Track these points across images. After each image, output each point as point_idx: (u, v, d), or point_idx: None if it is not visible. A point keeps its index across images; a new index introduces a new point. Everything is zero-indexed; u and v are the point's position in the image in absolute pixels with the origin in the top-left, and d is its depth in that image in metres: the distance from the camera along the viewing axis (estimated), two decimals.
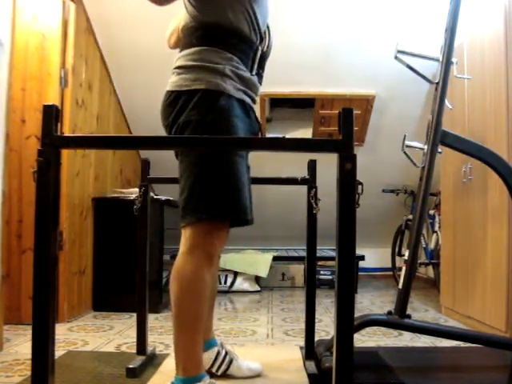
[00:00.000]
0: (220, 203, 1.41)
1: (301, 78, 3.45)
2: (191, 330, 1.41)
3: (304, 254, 2.03)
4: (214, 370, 1.69)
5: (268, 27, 1.60)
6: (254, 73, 1.53)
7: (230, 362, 1.72)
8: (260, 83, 1.60)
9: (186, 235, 1.44)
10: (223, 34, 1.46)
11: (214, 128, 1.40)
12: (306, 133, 3.93)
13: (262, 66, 1.59)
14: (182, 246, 1.44)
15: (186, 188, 1.43)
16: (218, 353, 1.71)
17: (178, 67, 1.49)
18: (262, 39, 1.55)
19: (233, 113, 1.44)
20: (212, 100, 1.41)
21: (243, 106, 1.50)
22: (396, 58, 1.95)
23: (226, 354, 1.73)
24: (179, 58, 1.51)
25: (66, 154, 2.67)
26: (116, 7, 3.00)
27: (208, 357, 1.70)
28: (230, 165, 1.43)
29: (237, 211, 1.43)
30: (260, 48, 1.54)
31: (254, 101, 1.58)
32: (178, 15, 1.62)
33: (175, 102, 1.45)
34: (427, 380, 1.80)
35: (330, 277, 4.21)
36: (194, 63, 1.45)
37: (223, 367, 1.71)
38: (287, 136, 3.85)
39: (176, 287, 1.41)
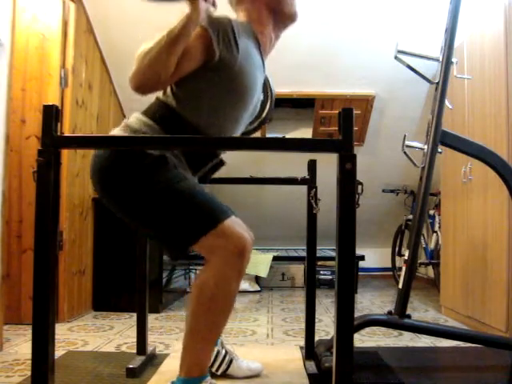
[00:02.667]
0: (200, 220, 1.33)
1: (301, 78, 3.45)
2: (204, 339, 1.37)
3: (304, 254, 2.03)
4: (213, 369, 1.69)
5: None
6: (195, 176, 1.48)
7: (230, 361, 1.72)
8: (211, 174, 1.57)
9: (198, 251, 1.37)
10: (187, 131, 1.41)
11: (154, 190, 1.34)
12: (306, 133, 3.93)
13: (208, 173, 1.55)
14: (205, 260, 1.37)
15: (160, 230, 1.38)
16: (218, 352, 1.71)
17: (128, 126, 1.42)
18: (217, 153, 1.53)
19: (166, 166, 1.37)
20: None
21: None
22: (396, 58, 1.96)
23: (226, 353, 1.73)
24: (136, 117, 1.44)
25: (65, 154, 2.67)
26: (116, 7, 3.00)
27: None
28: (180, 192, 1.35)
29: (222, 212, 1.35)
30: (214, 161, 1.51)
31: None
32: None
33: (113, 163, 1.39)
34: (427, 380, 1.80)
35: (330, 277, 4.21)
36: (142, 134, 1.39)
37: (223, 367, 1.71)
38: (287, 136, 3.85)
39: (198, 299, 1.34)
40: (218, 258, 1.31)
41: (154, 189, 1.34)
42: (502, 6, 2.32)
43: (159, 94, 1.49)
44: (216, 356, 1.70)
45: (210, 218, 1.33)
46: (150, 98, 1.48)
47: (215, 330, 1.39)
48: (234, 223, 1.36)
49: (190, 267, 4.06)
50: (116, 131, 1.44)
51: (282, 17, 1.59)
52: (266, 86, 1.77)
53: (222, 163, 1.57)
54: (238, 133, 1.56)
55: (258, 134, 1.89)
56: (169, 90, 1.46)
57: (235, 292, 1.35)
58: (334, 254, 1.11)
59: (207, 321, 1.35)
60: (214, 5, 1.42)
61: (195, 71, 1.40)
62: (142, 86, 1.32)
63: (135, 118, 1.45)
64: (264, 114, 1.80)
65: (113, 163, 1.37)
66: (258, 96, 1.57)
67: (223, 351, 1.72)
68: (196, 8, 1.28)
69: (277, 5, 1.56)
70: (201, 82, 1.42)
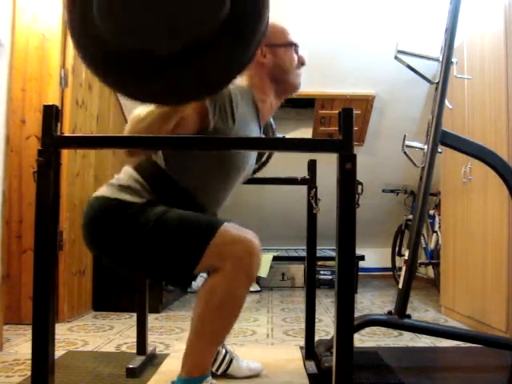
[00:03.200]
0: (192, 242, 1.31)
1: (301, 78, 3.45)
2: (209, 342, 1.36)
3: (304, 253, 2.03)
4: (213, 369, 1.69)
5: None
6: None
7: (230, 361, 1.72)
8: None
9: (206, 269, 1.35)
10: (176, 192, 1.41)
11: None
12: (306, 133, 3.93)
13: None
14: (215, 269, 1.33)
15: (161, 264, 1.35)
16: (218, 352, 1.71)
17: (119, 185, 1.42)
18: (217, 208, 1.54)
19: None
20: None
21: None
22: (396, 58, 1.96)
23: (226, 353, 1.73)
24: (128, 173, 1.45)
25: (65, 154, 2.67)
26: None
27: None
28: (169, 222, 1.34)
29: (208, 229, 1.33)
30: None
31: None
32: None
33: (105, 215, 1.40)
34: (427, 380, 1.80)
35: (330, 277, 4.21)
36: (125, 187, 1.40)
37: (223, 367, 1.71)
38: (287, 136, 3.85)
39: (207, 303, 1.32)
40: (227, 264, 1.29)
41: (143, 230, 1.33)
42: (502, 6, 2.33)
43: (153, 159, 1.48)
44: (216, 356, 1.70)
45: (206, 230, 1.31)
46: None
47: (221, 334, 1.39)
48: (232, 227, 1.35)
49: None
50: (105, 188, 1.44)
51: (285, 87, 1.58)
52: (269, 131, 1.78)
53: None
54: (229, 193, 1.55)
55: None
56: (160, 152, 1.45)
57: (244, 297, 1.34)
58: (333, 254, 1.11)
59: (214, 325, 1.34)
60: None
61: None
62: (133, 150, 1.33)
63: (126, 175, 1.45)
64: (264, 159, 1.83)
65: (100, 219, 1.38)
66: (251, 164, 1.57)
67: (223, 351, 1.73)
68: None
69: (281, 75, 1.55)
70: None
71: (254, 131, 1.51)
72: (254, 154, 1.59)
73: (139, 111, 1.27)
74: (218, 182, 1.48)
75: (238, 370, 1.72)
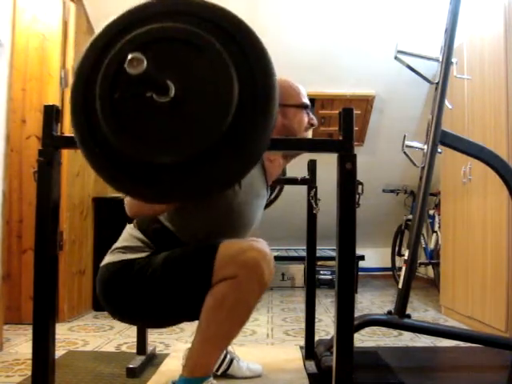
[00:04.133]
0: (198, 268, 1.31)
1: (301, 78, 3.42)
2: (215, 346, 1.34)
3: (304, 253, 2.03)
4: (214, 369, 1.69)
5: None
6: None
7: (231, 362, 1.72)
8: None
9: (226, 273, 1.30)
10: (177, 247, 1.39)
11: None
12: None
13: None
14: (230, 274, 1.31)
15: (180, 302, 1.34)
16: None
17: (124, 247, 1.43)
18: None
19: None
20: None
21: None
22: (396, 58, 1.96)
23: (227, 353, 1.73)
24: (129, 233, 1.45)
25: (66, 153, 2.67)
26: (116, 7, 2.97)
27: None
28: (173, 260, 1.34)
29: (208, 251, 1.32)
30: None
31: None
32: None
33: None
34: (427, 380, 1.80)
35: (330, 277, 4.21)
36: (129, 248, 1.41)
37: (223, 367, 1.71)
38: None
39: (217, 309, 1.29)
40: (238, 272, 1.27)
41: (154, 280, 1.32)
42: (502, 6, 2.33)
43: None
44: None
45: (207, 249, 1.31)
46: None
47: (228, 338, 1.37)
48: (234, 240, 1.34)
49: None
50: (109, 255, 1.48)
51: None
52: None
53: None
54: None
55: None
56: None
57: (255, 305, 1.33)
58: (334, 254, 1.11)
59: (222, 330, 1.32)
60: None
61: None
62: (137, 214, 1.38)
63: (128, 235, 1.45)
64: (273, 196, 1.85)
65: (111, 283, 1.39)
66: (256, 223, 1.54)
67: (223, 351, 1.72)
68: None
69: (290, 134, 1.50)
70: (197, 209, 1.39)
71: (261, 193, 1.49)
72: (261, 208, 1.55)
73: None
74: (223, 237, 1.41)
75: (238, 371, 1.73)
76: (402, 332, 2.50)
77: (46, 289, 1.08)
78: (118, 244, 1.46)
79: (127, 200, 1.40)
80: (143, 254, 1.38)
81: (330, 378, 1.09)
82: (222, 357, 1.72)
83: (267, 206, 1.84)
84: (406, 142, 1.96)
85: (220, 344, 1.36)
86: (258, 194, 1.48)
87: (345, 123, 1.08)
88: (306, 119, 1.53)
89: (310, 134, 1.57)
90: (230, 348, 1.77)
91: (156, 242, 1.40)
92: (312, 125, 1.55)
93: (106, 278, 1.41)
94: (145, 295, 1.34)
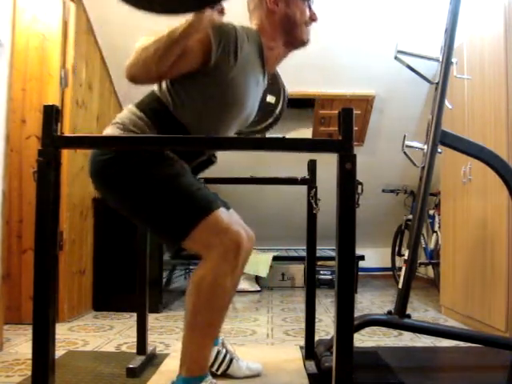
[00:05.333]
0: (186, 212, 1.35)
1: (301, 78, 3.45)
2: (203, 335, 1.37)
3: (304, 253, 2.03)
4: (214, 369, 1.69)
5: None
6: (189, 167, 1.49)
7: (230, 361, 1.72)
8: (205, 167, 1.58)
9: (192, 248, 1.38)
10: (174, 126, 1.43)
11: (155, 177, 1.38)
12: (306, 133, 3.93)
13: (199, 170, 1.57)
14: (202, 256, 1.37)
15: (149, 221, 1.42)
16: (219, 352, 1.71)
17: (122, 123, 1.44)
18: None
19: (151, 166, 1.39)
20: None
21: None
22: (396, 58, 1.96)
23: (227, 353, 1.73)
24: (129, 111, 1.46)
25: (66, 153, 2.67)
26: (116, 7, 2.98)
27: None
28: (176, 178, 1.39)
29: (212, 203, 1.38)
30: (205, 156, 1.53)
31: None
32: (152, 38, 1.37)
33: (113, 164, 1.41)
34: (427, 380, 1.80)
35: (330, 277, 4.21)
36: (134, 130, 1.41)
37: (223, 367, 1.71)
38: (287, 136, 3.85)
39: (195, 295, 1.35)
40: (213, 253, 1.32)
41: (149, 182, 1.37)
42: (502, 6, 2.33)
43: (154, 87, 1.50)
44: (216, 355, 1.70)
45: (201, 207, 1.35)
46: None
47: (214, 326, 1.40)
48: (227, 216, 1.38)
49: (190, 267, 4.06)
50: (109, 130, 1.46)
51: (294, 40, 1.58)
52: (278, 82, 1.76)
53: (211, 161, 1.58)
54: (229, 134, 1.56)
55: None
56: (164, 85, 1.47)
57: (232, 288, 1.36)
58: (333, 254, 1.11)
59: (206, 317, 1.35)
60: (222, 12, 1.42)
61: (190, 73, 1.40)
62: (135, 77, 1.35)
63: (127, 111, 1.47)
64: (275, 114, 1.82)
65: (111, 160, 1.39)
66: (251, 108, 1.56)
67: (223, 350, 1.73)
68: (200, 17, 1.28)
69: (291, 27, 1.54)
70: (193, 84, 1.43)
71: (258, 77, 1.52)
72: (258, 98, 1.59)
73: (142, 41, 1.32)
74: (219, 118, 1.48)
75: (237, 371, 1.72)
76: (402, 332, 2.50)
77: (46, 289, 1.08)
78: (118, 120, 1.46)
79: (133, 58, 1.35)
80: (142, 133, 1.40)
81: (329, 378, 1.09)
82: (222, 356, 1.71)
83: (267, 128, 1.85)
84: (406, 142, 1.96)
85: (208, 332, 1.38)
86: (256, 77, 1.50)
87: (344, 123, 1.08)
88: (308, 12, 1.57)
89: (309, 33, 1.60)
90: (229, 347, 1.77)
91: (156, 122, 1.42)
92: (313, 20, 1.59)
93: (105, 152, 1.40)
94: (136, 181, 1.38)
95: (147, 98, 1.48)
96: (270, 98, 1.78)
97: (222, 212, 1.37)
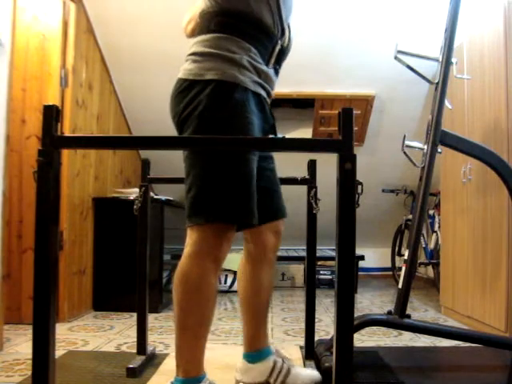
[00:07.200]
0: (230, 206, 1.32)
1: (301, 78, 3.46)
2: (195, 335, 1.35)
3: (304, 253, 2.03)
4: (271, 380, 1.62)
5: (288, 24, 1.54)
6: (270, 66, 1.47)
7: (288, 370, 1.63)
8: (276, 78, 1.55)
9: (192, 236, 1.35)
10: (243, 22, 1.40)
11: (228, 124, 1.33)
12: (306, 133, 3.93)
13: (279, 61, 1.52)
14: (188, 247, 1.35)
15: (195, 185, 1.34)
16: (275, 363, 1.64)
17: (193, 53, 1.41)
18: (283, 33, 1.49)
19: (248, 108, 1.37)
20: (226, 93, 1.34)
21: (259, 99, 1.43)
22: (396, 58, 1.96)
23: (283, 362, 1.65)
24: (194, 43, 1.44)
25: (66, 153, 2.67)
26: (116, 7, 3.00)
27: (264, 368, 1.63)
28: (243, 163, 1.35)
29: (246, 215, 1.35)
30: (280, 42, 1.48)
31: (269, 95, 1.51)
32: (197, 2, 1.52)
33: (186, 91, 1.37)
34: (427, 380, 1.80)
35: (330, 277, 4.21)
36: (210, 50, 1.38)
37: (280, 378, 1.62)
38: (287, 136, 3.85)
39: (181, 291, 1.33)
40: (201, 250, 1.32)
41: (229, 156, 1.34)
42: (502, 6, 2.33)
43: (201, 8, 1.48)
44: (273, 367, 1.63)
45: (247, 212, 1.34)
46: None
47: (205, 324, 1.37)
48: (230, 237, 1.37)
49: None
50: (192, 65, 1.41)
51: None
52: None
53: (287, 50, 1.56)
54: (287, 21, 1.53)
55: None
56: (207, 1, 1.44)
57: (216, 286, 1.37)
58: (333, 253, 1.11)
59: (196, 315, 1.34)
60: None
61: None
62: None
63: (207, 43, 1.41)
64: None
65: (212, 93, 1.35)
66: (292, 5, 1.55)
67: (280, 360, 1.66)
68: None
69: None
70: None
71: None
72: None
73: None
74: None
75: (296, 380, 1.63)
76: (402, 332, 2.50)
77: (47, 289, 1.08)
78: (204, 49, 1.41)
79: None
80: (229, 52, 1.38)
81: (330, 378, 1.09)
82: (279, 367, 1.63)
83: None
84: (406, 142, 1.96)
85: (200, 331, 1.36)
86: None
87: (344, 123, 1.08)
88: None
89: None
90: (284, 354, 1.71)
91: (227, 31, 1.40)
92: None
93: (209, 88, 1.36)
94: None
95: (204, 23, 1.45)
96: None
97: (232, 232, 1.36)
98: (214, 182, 1.33)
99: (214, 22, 1.41)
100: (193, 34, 1.51)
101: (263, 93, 1.46)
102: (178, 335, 1.36)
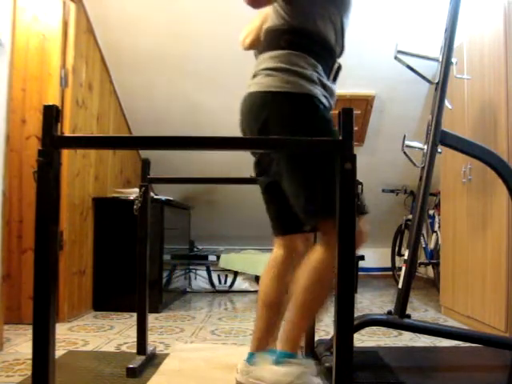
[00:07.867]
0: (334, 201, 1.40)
1: None
2: (313, 318, 1.51)
3: None
4: None
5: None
6: (331, 82, 1.56)
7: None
8: None
9: (324, 230, 1.45)
10: (310, 41, 1.49)
11: (318, 130, 1.40)
12: None
13: (336, 77, 1.61)
14: (322, 241, 1.46)
15: (312, 186, 1.42)
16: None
17: (266, 68, 1.48)
18: (342, 51, 1.62)
19: (328, 115, 1.48)
20: (309, 102, 1.43)
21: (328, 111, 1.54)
22: (396, 58, 1.96)
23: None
24: (266, 59, 1.51)
25: (66, 153, 2.67)
26: (116, 7, 3.00)
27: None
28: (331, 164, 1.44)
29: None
30: (338, 59, 1.59)
31: (331, 109, 1.59)
32: (256, 17, 1.64)
33: (270, 103, 1.45)
34: (427, 380, 1.80)
35: None
36: (284, 65, 1.45)
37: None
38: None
39: (317, 279, 1.42)
40: (332, 245, 1.34)
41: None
42: (502, 6, 2.33)
43: (268, 25, 1.55)
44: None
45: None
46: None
47: (321, 307, 1.48)
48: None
49: (190, 267, 4.06)
50: (268, 79, 1.48)
51: None
52: None
53: (340, 68, 1.64)
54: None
55: None
56: (277, 13, 1.50)
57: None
58: None
59: (323, 301, 1.46)
60: None
61: None
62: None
63: (280, 59, 1.48)
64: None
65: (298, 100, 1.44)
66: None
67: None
68: None
69: None
70: None
71: None
72: None
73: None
74: (338, 16, 1.58)
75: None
76: (402, 332, 2.50)
77: (47, 289, 1.08)
78: (286, 66, 1.48)
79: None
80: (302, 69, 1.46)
81: (330, 378, 1.09)
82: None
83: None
84: (406, 142, 1.96)
85: (314, 314, 1.51)
86: None
87: (345, 123, 1.08)
88: None
89: None
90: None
91: (296, 48, 1.48)
92: None
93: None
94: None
95: (272, 39, 1.51)
96: None
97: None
98: (323, 182, 1.40)
99: (284, 39, 1.49)
100: (251, 47, 1.65)
101: (329, 106, 1.54)
102: (301, 316, 1.46)
